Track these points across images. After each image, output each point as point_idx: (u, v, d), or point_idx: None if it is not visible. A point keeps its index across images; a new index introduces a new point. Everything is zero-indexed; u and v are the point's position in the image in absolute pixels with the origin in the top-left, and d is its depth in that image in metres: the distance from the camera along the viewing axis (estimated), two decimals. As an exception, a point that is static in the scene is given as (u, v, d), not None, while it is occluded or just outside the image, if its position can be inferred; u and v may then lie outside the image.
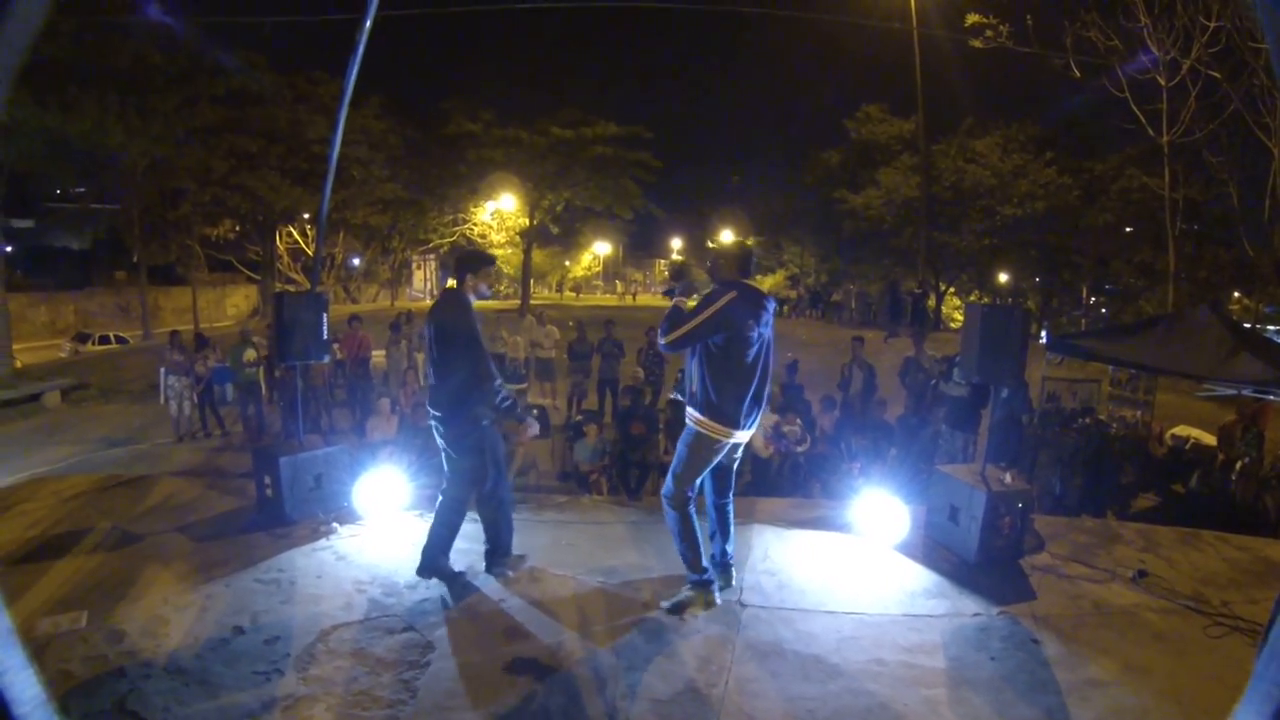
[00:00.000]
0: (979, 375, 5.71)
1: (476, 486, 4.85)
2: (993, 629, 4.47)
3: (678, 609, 4.54)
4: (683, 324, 4.31)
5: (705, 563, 4.61)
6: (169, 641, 4.11)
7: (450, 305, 4.83)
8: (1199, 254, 28.91)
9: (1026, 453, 9.45)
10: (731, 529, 4.87)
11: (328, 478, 6.20)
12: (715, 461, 4.53)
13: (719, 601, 4.60)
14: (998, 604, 4.77)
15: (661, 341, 4.45)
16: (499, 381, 4.77)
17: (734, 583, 4.90)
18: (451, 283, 4.92)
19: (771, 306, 4.53)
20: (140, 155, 23.70)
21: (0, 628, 1.14)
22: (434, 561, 4.84)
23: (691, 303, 4.50)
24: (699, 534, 4.57)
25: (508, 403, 4.80)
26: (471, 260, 4.98)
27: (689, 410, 4.50)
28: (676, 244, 66.59)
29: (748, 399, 4.40)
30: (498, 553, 5.05)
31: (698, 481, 4.57)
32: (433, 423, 4.84)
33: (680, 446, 4.57)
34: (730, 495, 4.87)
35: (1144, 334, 8.78)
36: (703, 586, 4.59)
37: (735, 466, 4.86)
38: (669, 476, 4.56)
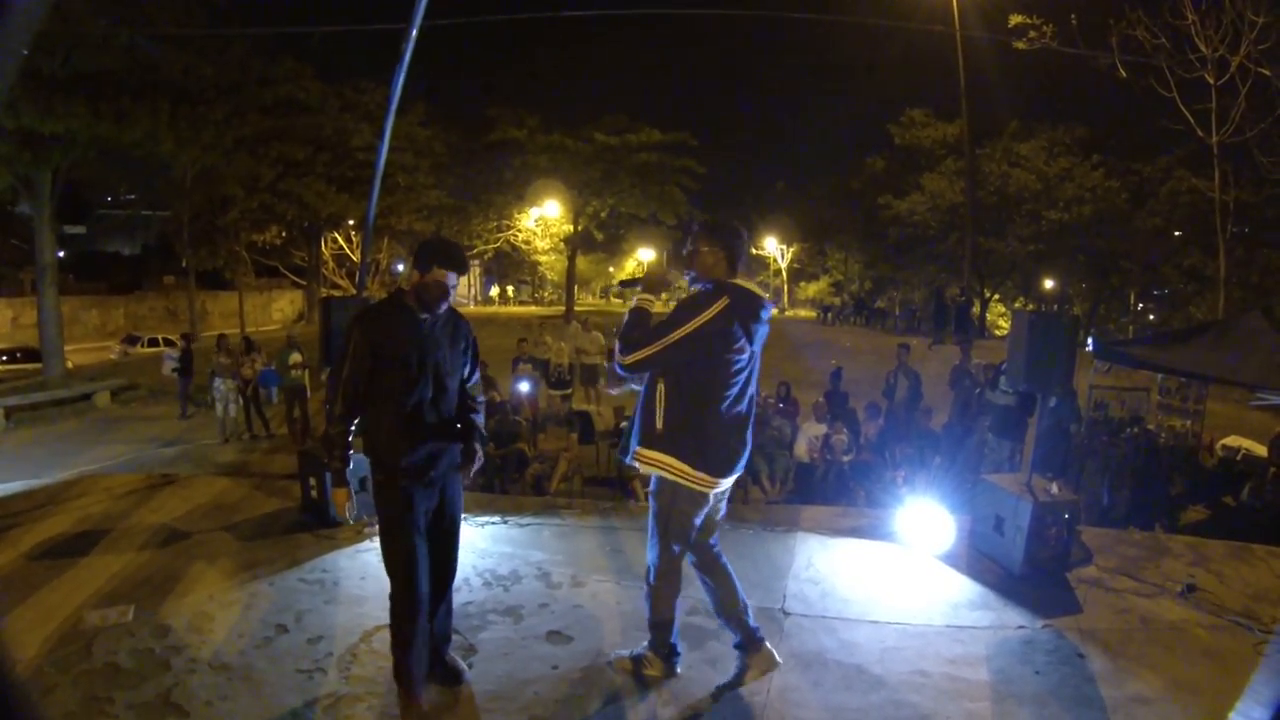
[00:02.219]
0: (1026, 383, 5.64)
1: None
2: (1037, 642, 4.40)
3: (632, 664, 3.82)
4: (651, 340, 3.33)
5: (675, 638, 3.77)
6: (214, 637, 4.18)
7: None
8: (1250, 258, 28.27)
9: (1073, 462, 9.30)
10: (732, 573, 3.80)
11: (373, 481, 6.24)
12: (702, 517, 3.57)
13: (679, 672, 3.81)
14: (1043, 617, 4.70)
15: (620, 362, 3.39)
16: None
17: (758, 637, 3.84)
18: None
19: (768, 315, 3.50)
20: (190, 163, 24.13)
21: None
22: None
23: (659, 305, 3.52)
24: (677, 600, 3.69)
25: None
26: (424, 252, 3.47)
27: (646, 452, 3.48)
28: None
29: (733, 437, 3.47)
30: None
31: (689, 542, 3.61)
32: None
33: (652, 501, 3.59)
34: (716, 535, 3.81)
35: (1194, 341, 8.61)
36: (667, 657, 3.78)
37: (722, 506, 3.79)
38: (651, 543, 3.61)
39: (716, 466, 3.41)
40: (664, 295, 3.61)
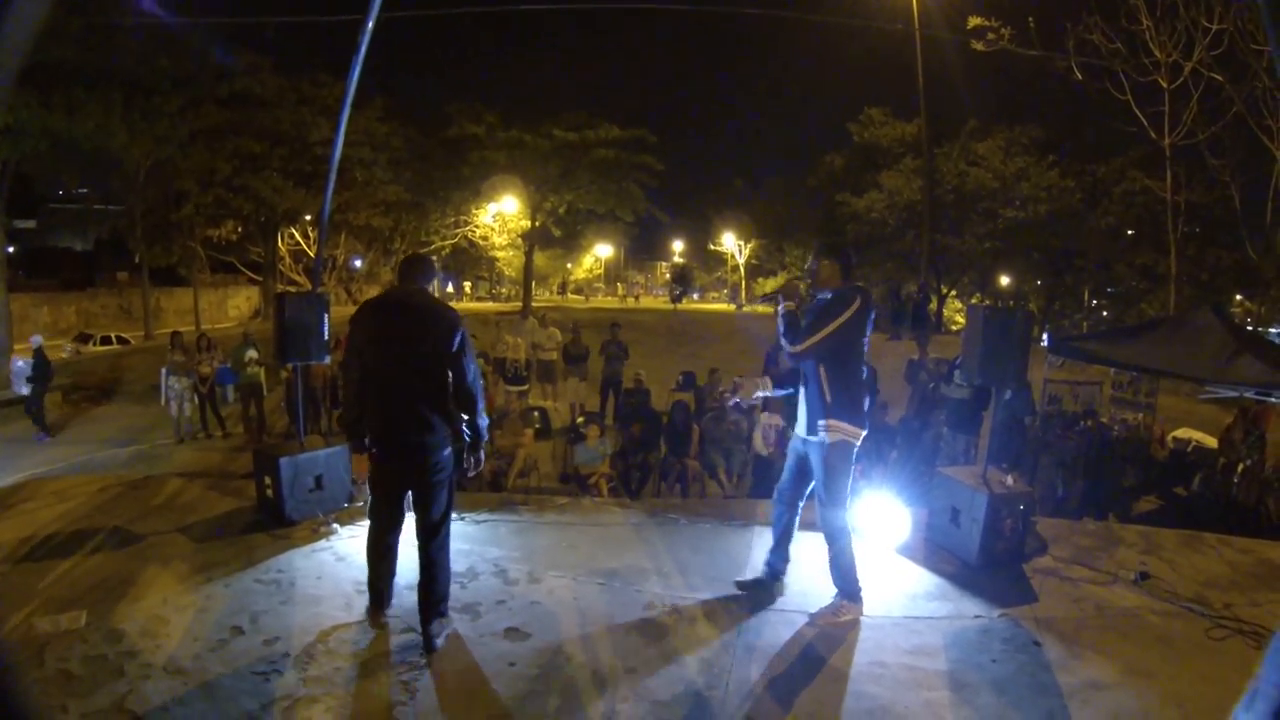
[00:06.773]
0: (981, 377, 5.70)
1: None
2: (994, 631, 4.46)
3: (833, 615, 4.50)
4: (811, 332, 4.22)
5: (859, 584, 4.56)
6: (168, 641, 4.10)
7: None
8: (1201, 256, 28.94)
9: (1028, 455, 9.43)
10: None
11: (328, 479, 6.19)
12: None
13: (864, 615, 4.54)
14: (999, 606, 4.76)
15: (791, 349, 4.28)
16: None
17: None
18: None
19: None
20: (144, 156, 23.68)
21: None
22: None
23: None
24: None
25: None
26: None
27: (824, 422, 4.29)
28: (679, 246, 66.71)
29: (865, 400, 4.45)
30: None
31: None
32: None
33: (824, 466, 4.36)
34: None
35: (1146, 336, 8.78)
36: (858, 596, 4.55)
37: None
38: (828, 504, 4.41)
39: (863, 421, 4.36)
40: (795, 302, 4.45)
